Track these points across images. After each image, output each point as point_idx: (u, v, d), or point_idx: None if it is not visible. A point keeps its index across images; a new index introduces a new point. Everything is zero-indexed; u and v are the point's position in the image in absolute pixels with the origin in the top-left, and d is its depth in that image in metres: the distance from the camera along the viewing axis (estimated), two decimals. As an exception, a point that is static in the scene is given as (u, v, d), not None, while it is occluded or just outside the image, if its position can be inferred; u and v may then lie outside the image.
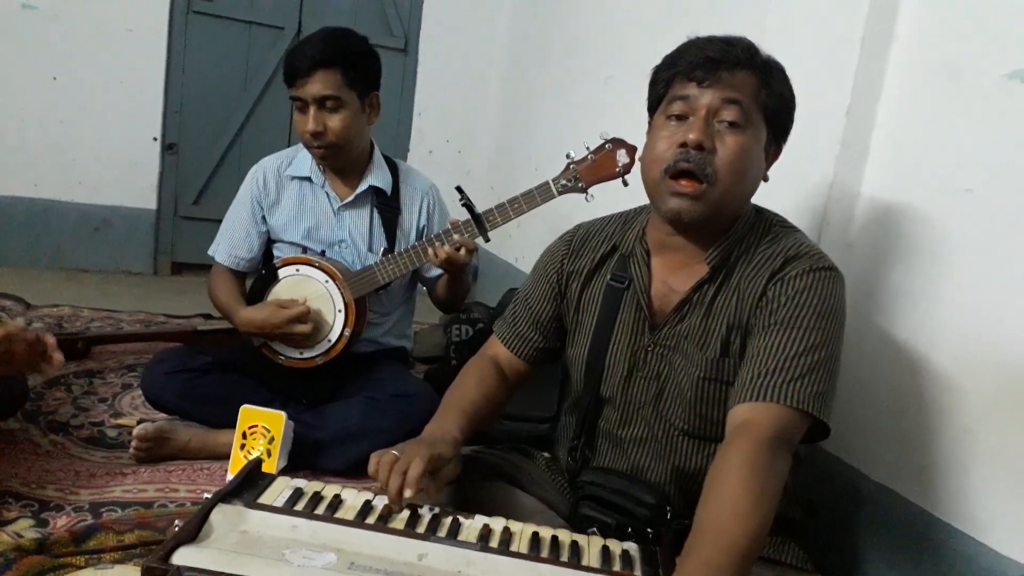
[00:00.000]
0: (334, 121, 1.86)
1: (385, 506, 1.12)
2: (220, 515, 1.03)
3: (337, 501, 1.13)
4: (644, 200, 1.30)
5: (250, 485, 1.14)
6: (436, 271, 1.99)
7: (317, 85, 1.82)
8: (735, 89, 1.15)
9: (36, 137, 3.34)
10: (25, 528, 1.42)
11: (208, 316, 2.83)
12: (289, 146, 3.22)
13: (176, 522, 0.99)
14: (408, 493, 1.08)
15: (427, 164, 3.90)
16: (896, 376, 1.45)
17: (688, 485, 1.23)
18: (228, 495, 1.08)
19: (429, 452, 1.13)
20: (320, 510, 1.09)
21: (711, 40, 1.19)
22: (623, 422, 1.28)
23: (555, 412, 2.10)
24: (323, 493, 1.15)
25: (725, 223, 1.21)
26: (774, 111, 1.19)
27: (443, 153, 3.98)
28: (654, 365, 1.24)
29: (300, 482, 1.17)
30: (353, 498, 1.15)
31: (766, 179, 1.24)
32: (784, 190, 1.41)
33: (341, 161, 1.95)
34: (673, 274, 1.25)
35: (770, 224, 1.25)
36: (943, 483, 1.34)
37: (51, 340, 1.46)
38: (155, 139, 3.54)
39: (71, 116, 3.38)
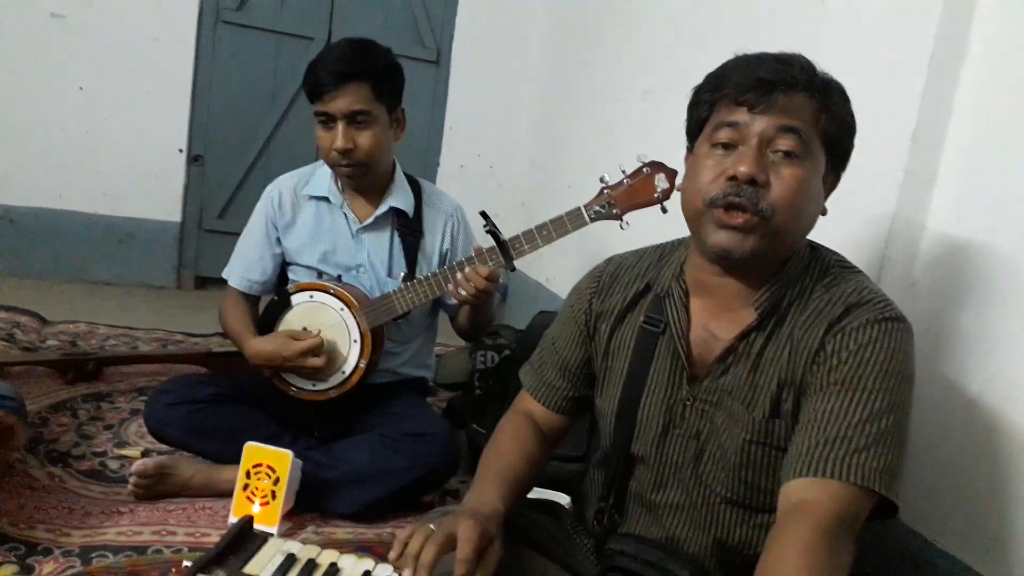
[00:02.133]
0: (363, 138, 1.75)
1: (387, 578, 1.00)
2: (199, 589, 0.92)
3: (334, 571, 1.01)
4: (684, 229, 1.16)
5: (238, 548, 1.03)
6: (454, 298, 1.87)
7: (347, 99, 1.71)
8: (792, 115, 1.00)
9: (61, 147, 3.30)
10: (9, 575, 1.32)
11: (226, 335, 2.74)
12: (315, 159, 3.13)
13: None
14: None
15: (458, 179, 3.81)
16: (966, 434, 1.30)
17: (731, 558, 1.09)
18: (211, 563, 0.97)
19: (479, 529, 0.98)
20: (313, 582, 0.97)
21: (762, 58, 1.04)
22: (657, 485, 1.13)
23: (584, 451, 1.97)
24: (318, 560, 1.03)
25: (777, 263, 1.06)
26: (834, 138, 1.04)
27: (474, 167, 3.88)
28: (693, 422, 1.10)
29: (294, 546, 1.05)
30: (351, 567, 1.03)
31: (824, 212, 1.09)
32: (839, 222, 1.25)
33: (367, 180, 1.84)
34: (715, 319, 1.10)
35: (828, 265, 1.09)
36: (1019, 555, 1.18)
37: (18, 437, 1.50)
38: (181, 151, 3.48)
39: (97, 126, 3.33)
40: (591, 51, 3.19)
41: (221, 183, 3.60)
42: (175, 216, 3.52)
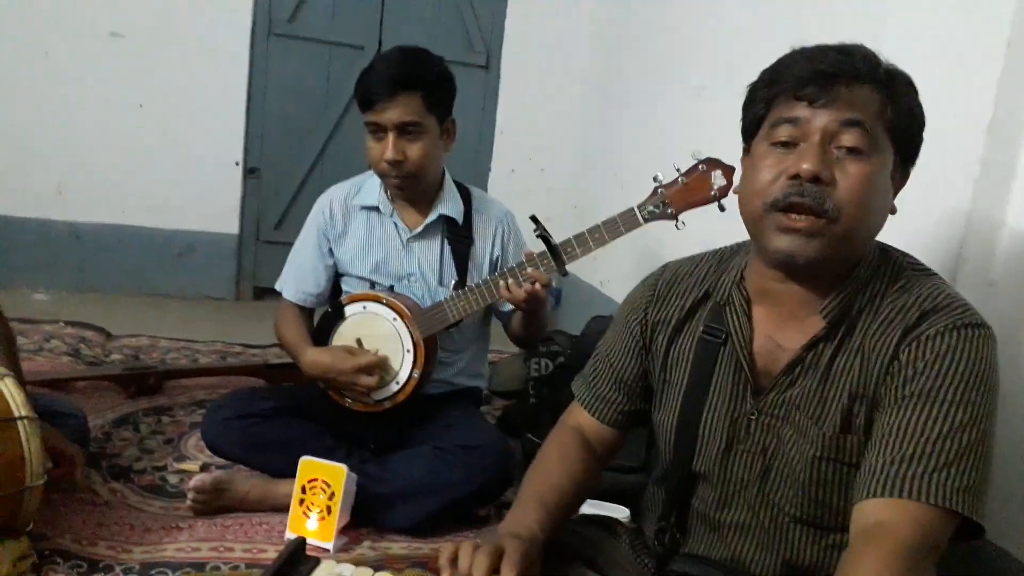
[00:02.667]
0: (414, 149, 1.73)
1: (438, 603, 0.97)
2: (249, 616, 0.90)
3: (385, 595, 0.98)
4: (741, 228, 1.10)
5: (290, 572, 1.01)
6: (510, 305, 1.83)
7: (398, 110, 1.69)
8: (856, 108, 0.93)
9: (123, 163, 3.38)
10: (70, 593, 1.34)
11: (282, 347, 2.77)
12: (368, 169, 3.13)
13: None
14: None
15: (509, 183, 3.79)
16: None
17: None
18: (264, 587, 0.95)
19: (523, 549, 0.94)
20: (365, 607, 0.95)
21: (821, 50, 0.97)
22: (721, 503, 1.08)
23: (643, 460, 1.92)
24: (371, 583, 1.00)
25: (844, 267, 1.00)
26: (902, 131, 0.97)
27: (525, 171, 3.85)
28: (759, 437, 1.04)
29: (346, 569, 1.03)
30: (404, 590, 1.00)
31: (894, 211, 1.02)
32: (910, 221, 1.18)
33: (416, 191, 1.83)
34: (780, 328, 1.04)
35: (900, 268, 1.02)
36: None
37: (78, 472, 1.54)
38: (237, 163, 3.53)
39: (156, 142, 3.40)
40: (640, 49, 3.13)
41: (277, 194, 3.65)
42: (233, 228, 3.57)
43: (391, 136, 1.71)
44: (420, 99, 1.71)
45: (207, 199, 3.51)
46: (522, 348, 2.19)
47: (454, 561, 0.95)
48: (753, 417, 1.04)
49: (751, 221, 1.01)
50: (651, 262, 2.61)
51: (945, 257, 1.37)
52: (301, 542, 1.08)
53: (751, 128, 1.04)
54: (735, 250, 1.15)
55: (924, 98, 1.03)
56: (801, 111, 0.95)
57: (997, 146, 1.31)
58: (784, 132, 0.97)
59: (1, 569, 1.31)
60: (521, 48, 3.78)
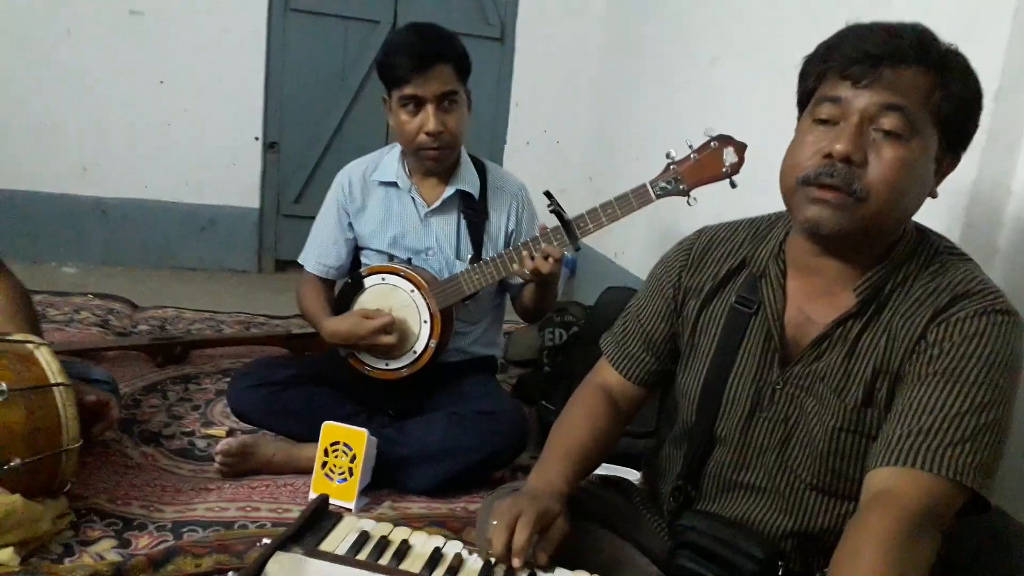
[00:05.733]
0: (451, 119, 1.77)
1: (456, 555, 1.03)
2: (277, 566, 0.96)
3: (405, 548, 1.04)
4: (753, 204, 1.13)
5: (314, 527, 1.06)
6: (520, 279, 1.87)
7: (437, 81, 1.73)
8: (898, 92, 0.94)
9: (145, 140, 3.44)
10: (107, 549, 1.42)
11: (304, 318, 2.83)
12: (385, 142, 3.15)
13: (230, 574, 0.93)
14: (516, 562, 0.97)
15: (524, 155, 3.81)
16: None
17: (810, 545, 1.07)
18: (288, 541, 1.01)
19: (536, 509, 1.01)
20: (386, 559, 1.00)
21: (873, 29, 0.98)
22: (739, 466, 1.11)
23: (654, 428, 1.96)
24: (391, 538, 1.06)
25: (880, 247, 1.02)
26: (950, 117, 0.97)
27: (540, 143, 3.86)
28: (782, 407, 1.07)
29: (367, 523, 1.08)
30: (422, 544, 1.05)
31: (934, 195, 1.03)
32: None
33: (448, 162, 1.87)
34: (812, 301, 1.07)
35: (935, 251, 1.04)
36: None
37: (114, 414, 1.62)
38: (256, 138, 3.58)
39: (177, 118, 3.45)
40: (655, 21, 3.13)
41: (296, 169, 3.69)
42: (254, 202, 3.63)
43: (431, 107, 1.74)
44: (452, 69, 1.76)
45: (228, 174, 3.56)
46: (529, 322, 2.22)
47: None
48: (778, 387, 1.07)
49: (786, 193, 1.03)
50: (666, 233, 2.65)
51: (950, 223, 1.39)
52: (324, 499, 1.14)
53: (802, 101, 1.06)
54: (772, 221, 1.16)
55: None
56: (844, 91, 0.97)
57: (1004, 114, 1.33)
58: (826, 111, 0.98)
59: (43, 526, 1.38)
60: (536, 20, 3.78)
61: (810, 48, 1.03)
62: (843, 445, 1.02)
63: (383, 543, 1.04)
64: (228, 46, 3.45)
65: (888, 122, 0.94)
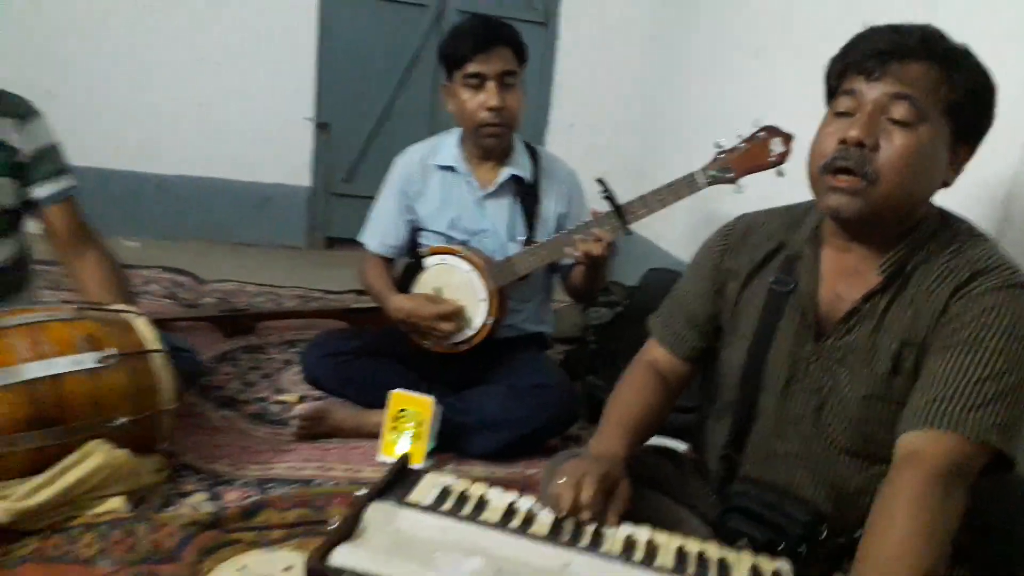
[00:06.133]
0: (511, 98, 1.88)
1: (529, 509, 1.15)
2: (373, 513, 1.09)
3: (483, 502, 1.16)
4: (799, 191, 1.23)
5: (400, 482, 1.19)
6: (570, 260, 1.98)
7: (499, 60, 1.85)
8: (905, 84, 1.05)
9: (202, 119, 3.58)
10: (201, 501, 1.56)
11: (360, 293, 2.96)
12: (432, 124, 3.23)
13: (332, 520, 1.06)
14: (585, 515, 1.09)
15: (566, 139, 3.88)
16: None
17: (845, 504, 1.18)
18: (380, 493, 1.14)
19: (600, 470, 1.13)
20: (466, 511, 1.13)
21: (883, 29, 1.09)
22: (777, 434, 1.23)
23: (699, 404, 2.07)
24: (469, 492, 1.18)
25: (900, 227, 1.12)
26: (959, 107, 1.07)
27: (583, 127, 3.93)
28: (816, 377, 1.18)
29: (448, 480, 1.21)
30: (498, 499, 1.17)
31: (947, 183, 1.13)
32: (959, 182, 1.29)
33: (505, 142, 1.97)
34: (842, 280, 1.18)
35: (956, 232, 1.14)
36: None
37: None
38: (308, 119, 3.70)
39: (232, 98, 3.58)
40: (700, 9, 3.18)
41: (346, 149, 3.81)
42: (305, 181, 3.77)
43: (492, 84, 1.85)
44: (512, 52, 1.87)
45: (281, 153, 3.70)
46: (579, 302, 2.34)
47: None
48: (812, 360, 1.18)
49: (812, 181, 1.15)
50: (705, 218, 2.74)
51: (991, 214, 1.47)
52: (406, 459, 1.27)
53: (828, 98, 1.17)
54: (807, 209, 1.27)
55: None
56: (859, 84, 1.08)
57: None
58: (844, 103, 1.10)
59: (145, 478, 1.54)
60: (580, 5, 3.84)
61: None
62: (873, 411, 1.12)
63: (463, 497, 1.17)
64: (281, 28, 3.56)
65: (897, 111, 1.05)
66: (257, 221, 3.75)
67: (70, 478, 1.41)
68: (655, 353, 1.40)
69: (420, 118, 3.74)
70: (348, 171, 3.84)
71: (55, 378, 1.43)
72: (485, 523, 1.10)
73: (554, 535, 1.09)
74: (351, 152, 3.82)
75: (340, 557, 0.98)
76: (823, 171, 1.10)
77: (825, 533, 1.14)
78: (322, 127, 3.75)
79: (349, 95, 3.75)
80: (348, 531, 1.04)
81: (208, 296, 2.88)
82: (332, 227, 3.86)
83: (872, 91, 1.07)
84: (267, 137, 3.66)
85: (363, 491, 1.13)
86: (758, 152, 1.67)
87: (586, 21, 3.85)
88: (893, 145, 1.05)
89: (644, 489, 1.29)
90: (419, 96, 3.81)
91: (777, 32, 2.51)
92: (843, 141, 1.07)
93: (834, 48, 1.16)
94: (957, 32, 1.13)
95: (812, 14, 2.13)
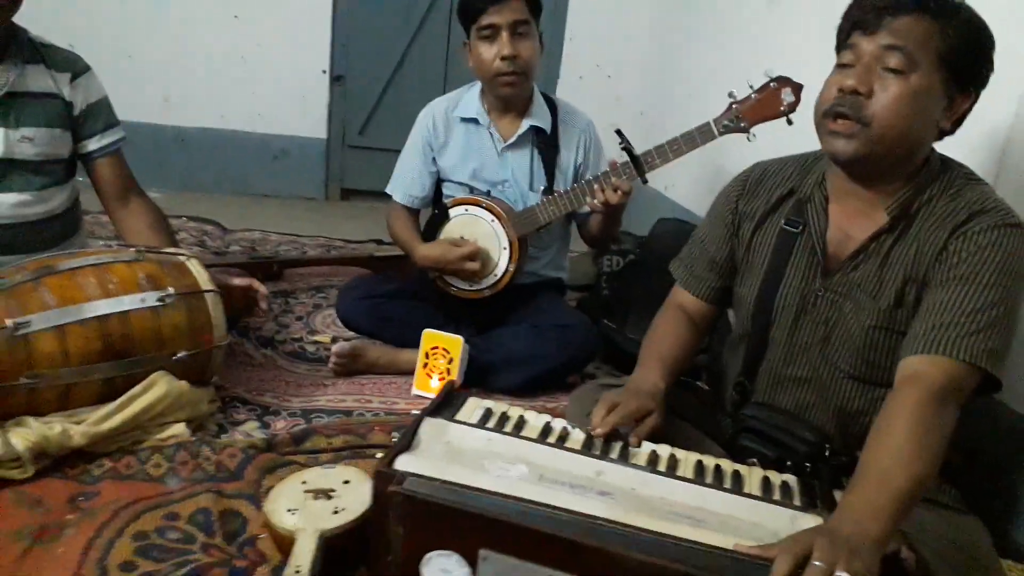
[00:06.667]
0: (524, 47, 1.95)
1: (563, 428, 1.28)
2: (428, 427, 1.22)
3: (522, 421, 1.30)
4: (808, 139, 1.33)
5: (448, 404, 1.33)
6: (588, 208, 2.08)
7: (511, 10, 1.92)
8: (898, 36, 1.15)
9: (221, 72, 3.66)
10: (253, 429, 1.70)
11: (380, 242, 3.08)
12: (446, 77, 3.27)
13: (393, 433, 1.19)
14: (599, 432, 1.24)
15: (577, 90, 3.92)
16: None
17: (848, 425, 1.30)
18: (433, 411, 1.27)
19: (632, 405, 1.27)
20: (508, 428, 1.26)
21: None
22: (788, 361, 1.35)
23: (708, 343, 2.20)
24: (509, 414, 1.32)
25: (902, 170, 1.23)
26: (951, 58, 1.16)
27: (593, 78, 3.99)
28: (823, 310, 1.30)
29: (489, 403, 1.34)
30: (535, 419, 1.31)
31: (944, 131, 1.22)
32: (960, 130, 1.37)
33: (521, 93, 2.04)
34: (850, 221, 1.29)
35: (956, 176, 1.24)
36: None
37: (262, 290, 1.86)
38: (324, 72, 3.77)
39: (250, 52, 3.65)
40: (713, -40, 3.22)
41: (361, 101, 3.88)
42: (321, 133, 3.85)
43: (505, 35, 1.93)
44: (524, 4, 1.95)
45: (298, 106, 3.78)
46: (596, 248, 2.46)
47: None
48: (820, 294, 1.30)
49: (816, 127, 1.25)
50: (713, 168, 2.84)
51: (989, 163, 1.57)
52: (452, 384, 1.40)
53: (837, 52, 1.27)
54: (818, 157, 1.38)
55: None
56: (858, 39, 1.20)
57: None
58: (845, 57, 1.22)
59: (202, 407, 1.67)
60: (591, -44, 3.88)
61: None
62: (877, 340, 1.24)
63: (504, 416, 1.31)
64: (298, -19, 3.62)
65: (891, 60, 1.16)
66: (275, 173, 3.84)
67: (137, 406, 1.54)
68: (680, 297, 1.53)
69: (434, 71, 3.81)
70: (363, 124, 3.91)
71: (122, 315, 1.55)
72: (526, 438, 1.23)
73: (586, 449, 1.22)
74: (366, 105, 3.89)
75: (403, 463, 1.11)
76: (824, 116, 1.21)
77: (829, 452, 1.26)
78: (337, 80, 3.82)
79: (364, 49, 3.81)
80: (407, 443, 1.17)
81: (234, 244, 2.99)
82: (348, 178, 3.96)
83: (869, 44, 1.18)
84: (284, 90, 3.74)
85: (415, 412, 1.26)
86: (770, 101, 1.77)
87: (597, -28, 3.88)
88: (887, 92, 1.16)
89: (670, 416, 1.43)
90: (433, 49, 3.86)
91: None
92: (841, 89, 1.18)
93: (844, 1, 1.26)
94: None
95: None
